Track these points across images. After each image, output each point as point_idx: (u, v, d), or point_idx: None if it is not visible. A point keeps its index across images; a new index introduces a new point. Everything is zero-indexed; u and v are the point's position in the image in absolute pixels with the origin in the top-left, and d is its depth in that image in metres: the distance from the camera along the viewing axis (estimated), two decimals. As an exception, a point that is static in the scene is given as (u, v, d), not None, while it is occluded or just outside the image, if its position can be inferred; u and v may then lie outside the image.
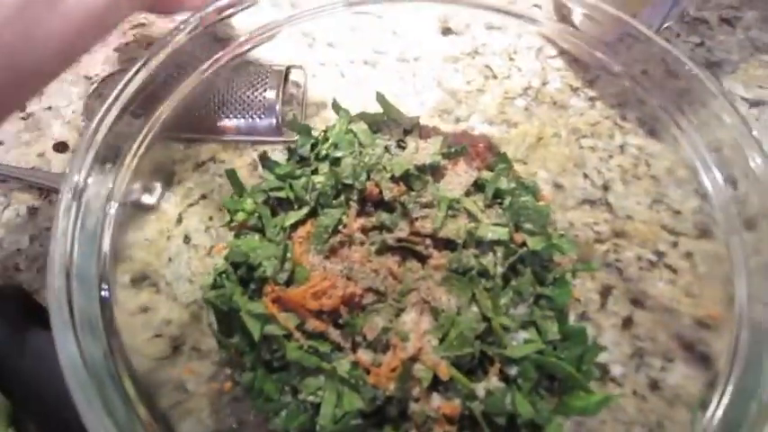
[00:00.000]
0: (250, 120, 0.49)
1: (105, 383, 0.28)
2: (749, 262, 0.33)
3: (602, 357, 0.41)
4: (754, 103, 0.55)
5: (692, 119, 0.40)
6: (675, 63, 0.40)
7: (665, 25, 0.58)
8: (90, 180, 0.34)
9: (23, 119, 0.54)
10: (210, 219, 0.46)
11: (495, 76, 0.53)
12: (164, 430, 0.31)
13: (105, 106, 0.35)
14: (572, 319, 0.42)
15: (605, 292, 0.44)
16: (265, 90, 0.50)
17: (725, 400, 0.30)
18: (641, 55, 0.42)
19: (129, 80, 0.36)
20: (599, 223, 0.46)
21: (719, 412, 0.30)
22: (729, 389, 0.30)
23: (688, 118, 0.40)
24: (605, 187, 0.47)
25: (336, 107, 0.45)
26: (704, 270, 0.40)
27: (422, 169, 0.41)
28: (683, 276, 0.42)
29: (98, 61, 0.58)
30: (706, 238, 0.40)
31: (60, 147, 0.52)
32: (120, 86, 0.36)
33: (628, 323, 0.42)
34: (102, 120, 0.35)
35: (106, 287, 0.33)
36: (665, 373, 0.40)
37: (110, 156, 0.36)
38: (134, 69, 0.37)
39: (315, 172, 0.42)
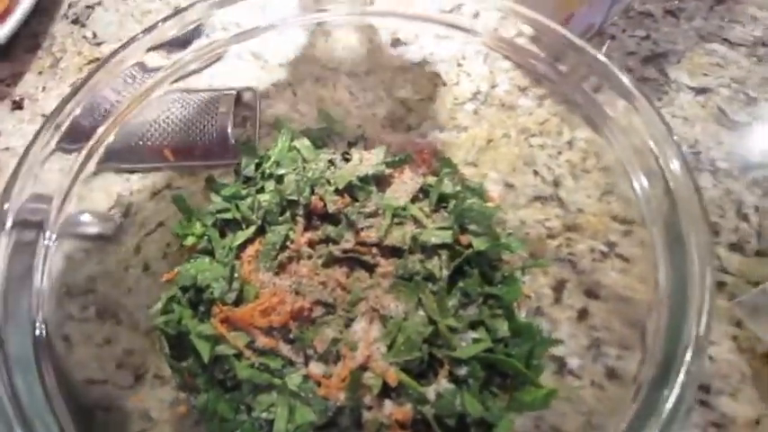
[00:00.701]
0: (204, 145, 0.50)
1: (42, 425, 0.28)
2: (666, 246, 0.34)
3: (559, 351, 0.41)
4: (700, 91, 0.56)
5: (623, 121, 0.40)
6: (602, 67, 0.41)
7: (609, 22, 0.59)
8: (22, 215, 0.34)
9: (-19, 161, 0.56)
10: (168, 245, 0.46)
11: (444, 84, 0.54)
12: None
13: (37, 137, 0.35)
14: (525, 315, 0.42)
15: (559, 286, 0.44)
16: (217, 114, 0.51)
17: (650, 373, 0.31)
18: (574, 61, 0.42)
19: (62, 106, 0.37)
20: (550, 219, 0.47)
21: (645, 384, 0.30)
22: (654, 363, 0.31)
23: (619, 120, 0.41)
24: (556, 183, 0.48)
25: (279, 124, 0.46)
26: (647, 256, 0.41)
27: (365, 180, 0.42)
28: (636, 264, 0.43)
29: (54, 98, 0.59)
30: (644, 227, 0.40)
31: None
32: (52, 111, 0.36)
33: (583, 315, 0.43)
34: (29, 150, 0.35)
35: (43, 325, 0.33)
36: (621, 361, 0.40)
37: (45, 188, 0.36)
38: (68, 96, 0.37)
39: (261, 191, 0.43)
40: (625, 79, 0.38)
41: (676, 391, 0.29)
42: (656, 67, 0.57)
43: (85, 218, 0.42)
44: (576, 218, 0.46)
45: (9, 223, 0.34)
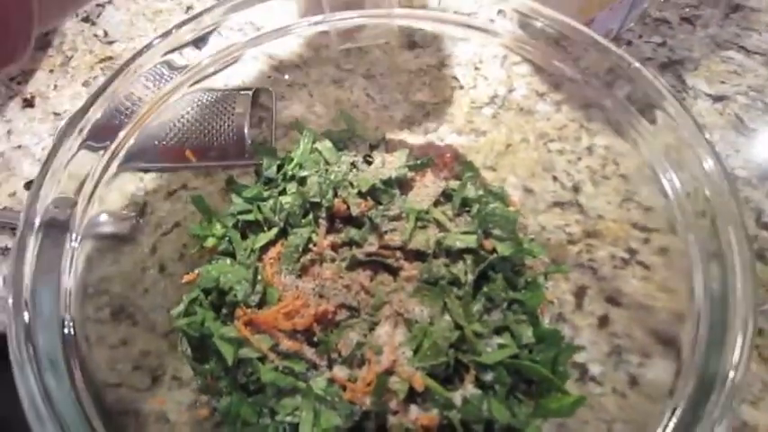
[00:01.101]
0: (220, 145, 0.50)
1: (72, 422, 0.28)
2: (703, 256, 0.34)
3: (580, 357, 0.41)
4: (718, 98, 0.56)
5: (649, 122, 0.40)
6: (630, 68, 0.40)
7: (626, 27, 0.59)
8: (48, 216, 0.34)
9: (-6, 159, 0.55)
10: (185, 246, 0.46)
11: (461, 87, 0.54)
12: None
13: (59, 135, 0.35)
14: (547, 321, 0.42)
15: (580, 292, 0.44)
16: (233, 115, 0.50)
17: (689, 388, 0.30)
18: (599, 62, 0.42)
19: (85, 111, 0.36)
20: (570, 225, 0.47)
21: (684, 399, 0.30)
22: (693, 376, 0.30)
23: (646, 122, 0.40)
24: (575, 189, 0.48)
25: (300, 127, 0.46)
26: (674, 265, 0.41)
27: (388, 183, 0.41)
28: (657, 272, 0.43)
29: (66, 97, 0.58)
30: (672, 233, 0.40)
31: (31, 185, 0.53)
32: (73, 115, 0.36)
33: (604, 322, 0.42)
34: (54, 153, 0.35)
35: (71, 324, 0.33)
36: (644, 368, 0.40)
37: (69, 190, 0.36)
38: (89, 100, 0.37)
39: (282, 193, 0.42)
40: (655, 81, 0.38)
41: (719, 408, 0.28)
42: (673, 74, 0.57)
43: (103, 218, 0.41)
44: (596, 224, 0.46)
45: (36, 224, 0.33)
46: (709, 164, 0.35)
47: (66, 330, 0.32)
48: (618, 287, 0.43)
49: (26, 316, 0.31)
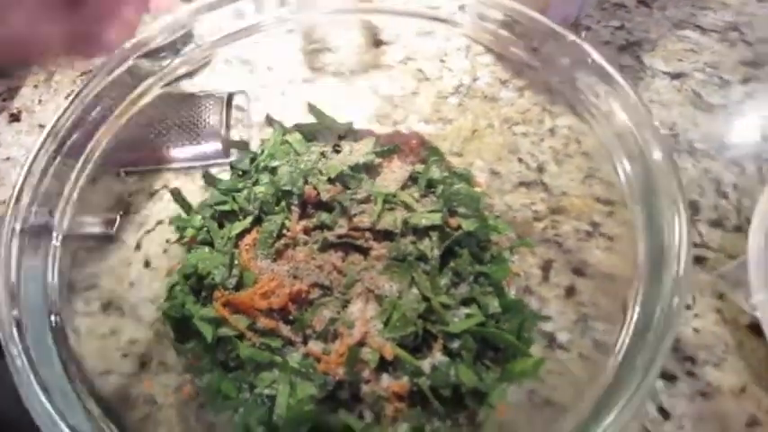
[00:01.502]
0: (198, 146, 0.52)
1: (69, 407, 0.30)
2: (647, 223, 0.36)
3: (548, 327, 0.43)
4: (675, 76, 0.58)
5: (604, 106, 0.42)
6: (583, 53, 0.42)
7: (585, 13, 0.62)
8: (31, 220, 0.36)
9: (-18, 172, 0.57)
10: (168, 242, 0.48)
11: (427, 79, 0.56)
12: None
13: (38, 144, 0.37)
14: (513, 293, 0.44)
15: (546, 265, 0.46)
16: (209, 117, 0.53)
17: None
18: (555, 48, 0.44)
19: (59, 118, 0.38)
20: (536, 203, 0.49)
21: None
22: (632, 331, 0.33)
23: (601, 105, 0.42)
24: (540, 169, 0.50)
25: (270, 120, 0.48)
26: (631, 235, 0.43)
27: (356, 168, 0.44)
28: (620, 243, 0.44)
29: (50, 110, 0.61)
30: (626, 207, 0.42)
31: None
32: (51, 124, 0.38)
33: (570, 292, 0.44)
34: (35, 158, 0.37)
35: (58, 318, 0.35)
36: (609, 335, 0.42)
37: (50, 192, 0.38)
38: (65, 108, 0.39)
39: (256, 183, 0.44)
40: (605, 64, 0.40)
41: (647, 355, 0.30)
42: (631, 55, 0.59)
43: (88, 219, 0.43)
44: (560, 201, 0.48)
45: (18, 228, 0.35)
46: (653, 143, 0.37)
47: (54, 324, 0.34)
48: (583, 258, 0.45)
49: (15, 313, 0.33)
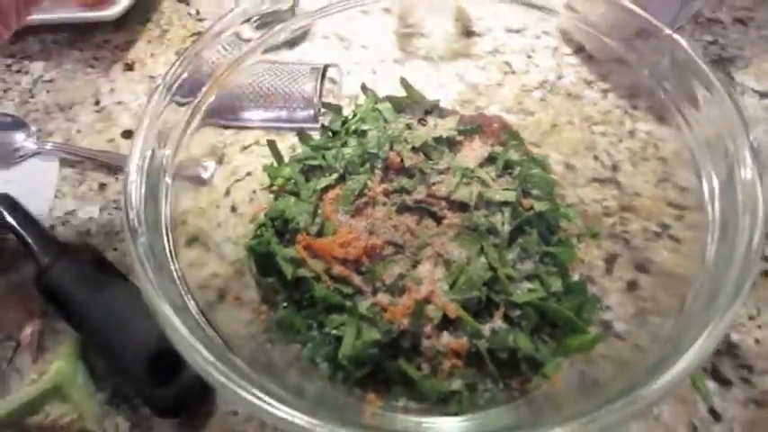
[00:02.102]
0: (291, 111, 0.56)
1: (175, 303, 0.33)
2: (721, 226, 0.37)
3: (607, 315, 0.44)
4: (765, 95, 0.58)
5: (696, 111, 0.42)
6: (682, 55, 0.42)
7: (677, 26, 0.62)
8: (148, 156, 0.40)
9: (97, 111, 0.63)
10: (254, 192, 0.52)
11: (513, 72, 0.58)
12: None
13: (156, 95, 0.41)
14: (576, 278, 0.45)
15: (611, 259, 0.47)
16: (305, 84, 0.56)
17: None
18: (652, 46, 0.45)
19: (175, 72, 0.42)
20: (607, 199, 0.50)
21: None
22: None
23: (693, 109, 0.43)
24: (614, 168, 0.51)
25: (365, 89, 0.51)
26: (701, 238, 0.43)
27: (439, 141, 0.46)
28: (687, 245, 0.45)
29: (161, 64, 0.66)
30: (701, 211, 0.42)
31: (127, 134, 0.60)
32: (167, 78, 0.42)
33: (632, 286, 0.45)
34: (155, 108, 0.41)
35: (169, 242, 0.39)
36: (667, 329, 0.42)
37: (163, 138, 0.42)
38: (177, 63, 0.42)
39: (344, 144, 0.47)
40: (706, 67, 0.40)
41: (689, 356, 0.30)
42: (722, 70, 0.59)
43: (188, 163, 0.47)
44: (632, 200, 0.49)
45: (138, 165, 0.39)
46: (744, 154, 0.37)
47: (168, 245, 0.38)
48: (648, 257, 0.46)
49: (140, 232, 0.37)
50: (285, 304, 0.42)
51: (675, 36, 0.43)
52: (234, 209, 0.51)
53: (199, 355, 0.29)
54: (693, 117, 0.43)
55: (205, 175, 0.50)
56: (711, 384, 0.44)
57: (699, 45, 0.62)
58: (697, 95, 0.42)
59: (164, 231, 0.40)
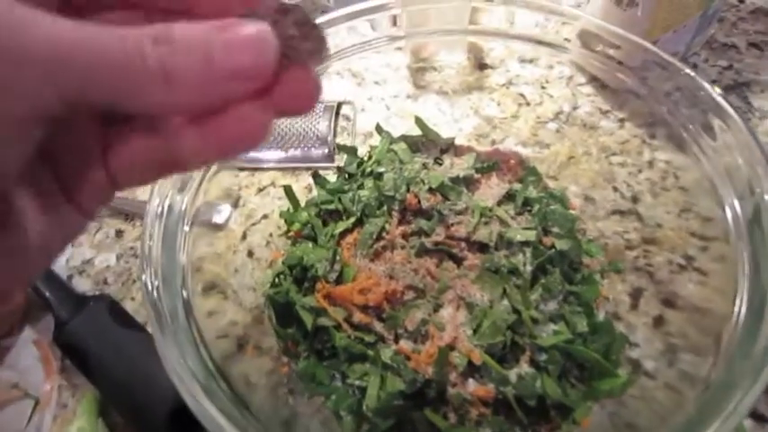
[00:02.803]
0: (306, 150, 0.56)
1: (187, 353, 0.33)
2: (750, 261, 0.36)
3: (634, 353, 0.43)
4: (784, 119, 0.57)
5: (712, 139, 0.42)
6: (695, 86, 0.42)
7: (692, 51, 0.62)
8: (167, 205, 0.40)
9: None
10: (270, 235, 0.51)
11: (528, 104, 0.57)
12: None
13: None
14: (601, 316, 0.44)
15: (636, 293, 0.46)
16: (319, 123, 0.56)
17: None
18: (664, 78, 0.45)
19: None
20: (629, 231, 0.49)
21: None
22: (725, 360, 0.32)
23: (709, 138, 0.42)
24: (635, 199, 0.50)
25: (379, 129, 0.51)
26: (728, 271, 0.42)
27: (456, 181, 0.45)
28: (714, 278, 0.44)
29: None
30: (727, 242, 0.42)
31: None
32: None
33: (659, 322, 0.44)
34: None
35: (186, 292, 0.39)
36: (699, 367, 0.41)
37: (183, 184, 0.42)
38: None
39: (360, 187, 0.47)
40: (719, 98, 0.40)
41: (738, 394, 0.30)
42: (738, 95, 0.58)
43: (204, 207, 0.47)
44: (654, 232, 0.48)
45: (158, 212, 0.39)
46: (765, 180, 0.37)
47: (183, 295, 0.37)
48: (674, 290, 0.45)
49: (157, 283, 0.37)
50: (306, 354, 0.41)
51: (686, 69, 0.42)
52: (251, 253, 0.50)
53: (214, 423, 0.28)
54: (710, 146, 0.42)
55: (220, 220, 0.50)
56: (747, 421, 0.43)
57: (714, 71, 0.61)
58: (713, 125, 0.41)
59: (180, 283, 0.39)
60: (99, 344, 0.45)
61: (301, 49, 0.18)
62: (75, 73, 0.15)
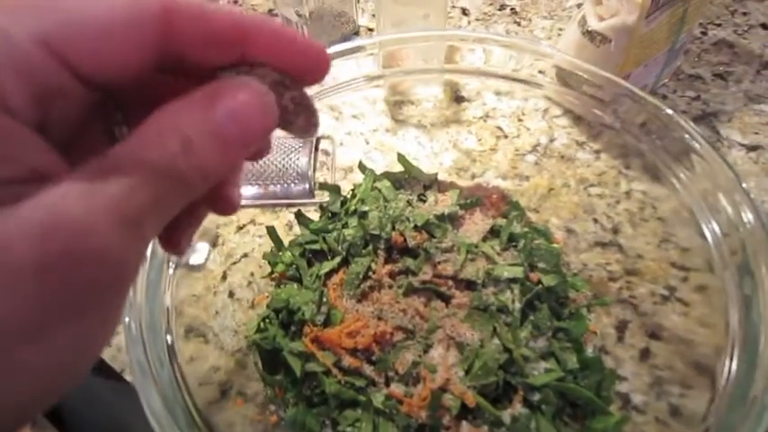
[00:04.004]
0: (285, 186, 0.55)
1: (173, 406, 0.32)
2: (738, 292, 0.36)
3: (622, 387, 0.43)
4: (752, 148, 0.58)
5: (687, 169, 0.43)
6: (667, 118, 0.43)
7: (661, 83, 0.63)
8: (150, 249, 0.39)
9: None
10: (252, 274, 0.50)
11: (505, 136, 0.58)
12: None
13: None
14: (590, 351, 0.44)
15: (621, 326, 0.46)
16: (299, 159, 0.55)
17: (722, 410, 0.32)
18: (636, 111, 0.46)
19: None
20: (611, 263, 0.49)
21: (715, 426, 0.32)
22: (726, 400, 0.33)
23: (683, 168, 0.43)
24: (615, 230, 0.51)
25: (362, 167, 0.50)
26: (711, 301, 0.43)
27: (441, 218, 0.45)
28: (696, 308, 0.45)
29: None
30: (710, 272, 0.42)
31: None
32: None
33: (645, 354, 0.45)
34: None
35: (170, 336, 0.37)
36: (685, 399, 0.42)
37: None
38: None
39: (345, 226, 0.46)
40: (690, 129, 0.41)
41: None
42: (707, 126, 0.60)
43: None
44: (635, 263, 0.49)
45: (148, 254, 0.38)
46: (743, 207, 0.38)
47: (167, 339, 0.36)
48: (658, 322, 0.46)
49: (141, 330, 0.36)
50: (294, 401, 0.40)
51: (656, 102, 0.43)
52: (231, 294, 0.49)
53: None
54: (686, 176, 0.43)
55: (199, 260, 0.49)
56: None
57: (683, 101, 0.63)
58: (687, 155, 0.42)
59: (164, 327, 0.38)
60: (73, 394, 0.43)
61: (294, 124, 0.20)
62: None
